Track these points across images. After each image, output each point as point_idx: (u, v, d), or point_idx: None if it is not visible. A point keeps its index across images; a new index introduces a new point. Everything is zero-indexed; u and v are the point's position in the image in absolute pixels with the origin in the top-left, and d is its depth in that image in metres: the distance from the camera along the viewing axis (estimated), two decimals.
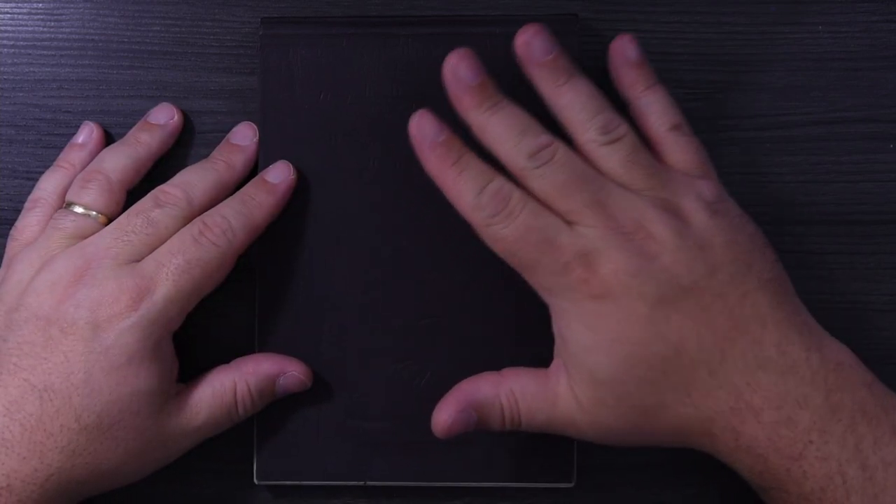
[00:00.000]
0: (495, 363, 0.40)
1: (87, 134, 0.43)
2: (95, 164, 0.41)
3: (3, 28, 0.44)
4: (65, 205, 0.40)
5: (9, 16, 0.44)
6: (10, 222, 0.43)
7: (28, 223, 0.41)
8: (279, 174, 0.41)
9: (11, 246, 0.41)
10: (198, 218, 0.39)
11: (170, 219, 0.39)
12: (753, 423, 0.35)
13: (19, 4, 0.44)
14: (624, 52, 0.40)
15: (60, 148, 0.43)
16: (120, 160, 0.41)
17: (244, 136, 0.42)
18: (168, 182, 0.40)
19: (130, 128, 0.43)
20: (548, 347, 0.39)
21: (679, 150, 0.39)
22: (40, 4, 0.44)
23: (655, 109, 0.39)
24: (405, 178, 0.41)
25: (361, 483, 0.41)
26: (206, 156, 0.43)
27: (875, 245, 0.43)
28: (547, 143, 0.37)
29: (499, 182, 0.37)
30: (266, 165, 0.41)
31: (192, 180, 0.40)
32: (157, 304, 0.37)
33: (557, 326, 0.38)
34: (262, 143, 0.41)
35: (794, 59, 0.43)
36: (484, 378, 0.39)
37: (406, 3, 0.43)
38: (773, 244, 0.38)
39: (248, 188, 0.40)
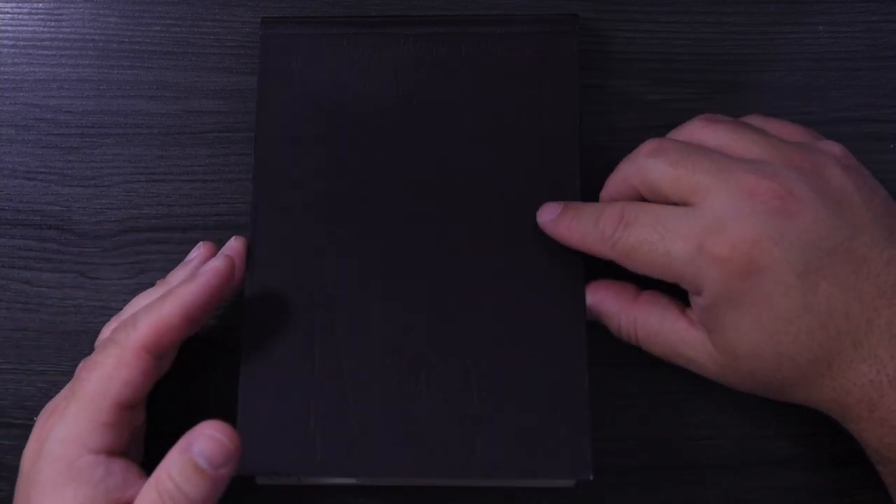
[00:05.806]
0: (496, 362, 0.40)
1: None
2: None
3: (3, 28, 0.44)
4: None
5: (9, 16, 0.44)
6: (10, 222, 0.43)
7: None
8: None
9: None
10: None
11: None
12: (893, 395, 0.33)
13: (20, 4, 0.44)
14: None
15: (60, 148, 0.43)
16: None
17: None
18: None
19: (130, 128, 0.43)
20: (548, 347, 0.39)
21: (781, 125, 0.38)
22: (41, 4, 0.44)
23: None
24: (405, 178, 0.41)
25: (361, 483, 0.41)
26: (205, 155, 0.43)
27: None
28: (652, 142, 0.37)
29: (611, 205, 0.37)
30: (264, 166, 0.41)
31: None
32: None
33: (706, 315, 0.36)
34: (262, 143, 0.41)
35: (794, 59, 0.43)
36: (617, 293, 0.39)
37: (406, 3, 0.43)
38: None
39: None
